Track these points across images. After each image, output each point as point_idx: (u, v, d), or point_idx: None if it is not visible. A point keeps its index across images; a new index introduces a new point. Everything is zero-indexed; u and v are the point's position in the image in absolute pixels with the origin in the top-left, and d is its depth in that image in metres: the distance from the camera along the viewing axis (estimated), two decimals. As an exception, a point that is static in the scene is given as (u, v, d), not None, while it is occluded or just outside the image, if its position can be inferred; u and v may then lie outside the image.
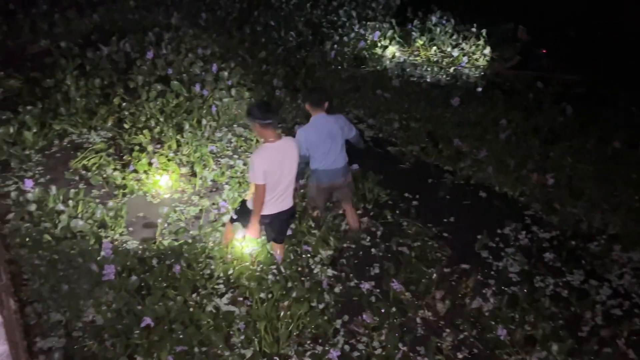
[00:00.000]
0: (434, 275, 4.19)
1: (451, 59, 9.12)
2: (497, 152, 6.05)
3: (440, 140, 6.37)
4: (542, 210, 5.27)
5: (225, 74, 7.03)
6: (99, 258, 3.99)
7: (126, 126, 6.09)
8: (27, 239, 4.16)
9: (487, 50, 9.08)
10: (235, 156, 5.90)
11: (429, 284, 4.14)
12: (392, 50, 9.35)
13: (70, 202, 4.73)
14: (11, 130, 5.80)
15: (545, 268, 4.50)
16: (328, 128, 4.37)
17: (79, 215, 4.64)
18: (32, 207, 4.62)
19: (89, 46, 7.44)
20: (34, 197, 4.71)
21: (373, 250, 4.63)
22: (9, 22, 8.46)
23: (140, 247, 4.45)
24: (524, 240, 4.83)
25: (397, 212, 5.15)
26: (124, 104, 6.45)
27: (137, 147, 5.74)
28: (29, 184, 4.86)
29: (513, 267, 4.51)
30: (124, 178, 5.29)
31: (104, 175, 5.35)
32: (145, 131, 5.96)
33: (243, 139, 6.28)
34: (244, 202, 4.13)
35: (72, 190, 4.86)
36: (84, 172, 5.47)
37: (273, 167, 3.68)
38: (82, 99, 6.38)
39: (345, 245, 4.63)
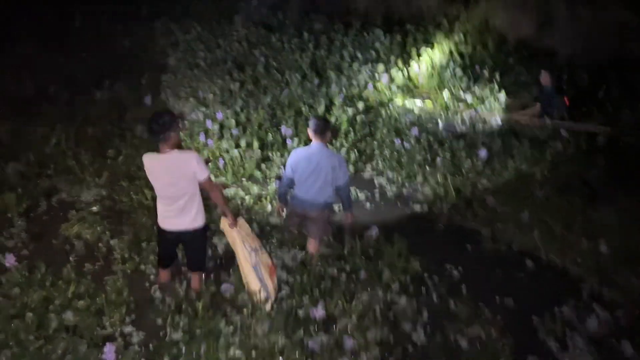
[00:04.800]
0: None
1: (464, 105, 8.64)
2: (537, 213, 5.49)
3: (472, 198, 5.80)
4: (600, 283, 4.68)
5: (233, 121, 6.42)
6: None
7: (124, 184, 5.38)
8: (9, 340, 3.37)
9: (502, 95, 8.62)
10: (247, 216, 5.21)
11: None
12: (401, 94, 8.85)
13: (60, 282, 3.98)
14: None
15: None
16: (317, 160, 4.25)
17: (72, 301, 3.88)
18: (15, 291, 3.85)
19: (79, 90, 6.76)
20: (17, 278, 3.94)
21: (423, 341, 3.94)
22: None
23: (148, 342, 3.69)
24: (590, 322, 4.20)
25: (440, 287, 4.50)
26: (120, 157, 5.75)
27: (136, 208, 5.03)
28: (10, 259, 4.11)
29: (585, 360, 3.87)
30: (123, 249, 4.55)
31: (99, 245, 4.62)
32: (146, 190, 5.25)
33: (254, 196, 5.61)
34: None
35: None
36: (75, 240, 4.72)
37: (153, 172, 3.81)
38: (72, 150, 5.68)
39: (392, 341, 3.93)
